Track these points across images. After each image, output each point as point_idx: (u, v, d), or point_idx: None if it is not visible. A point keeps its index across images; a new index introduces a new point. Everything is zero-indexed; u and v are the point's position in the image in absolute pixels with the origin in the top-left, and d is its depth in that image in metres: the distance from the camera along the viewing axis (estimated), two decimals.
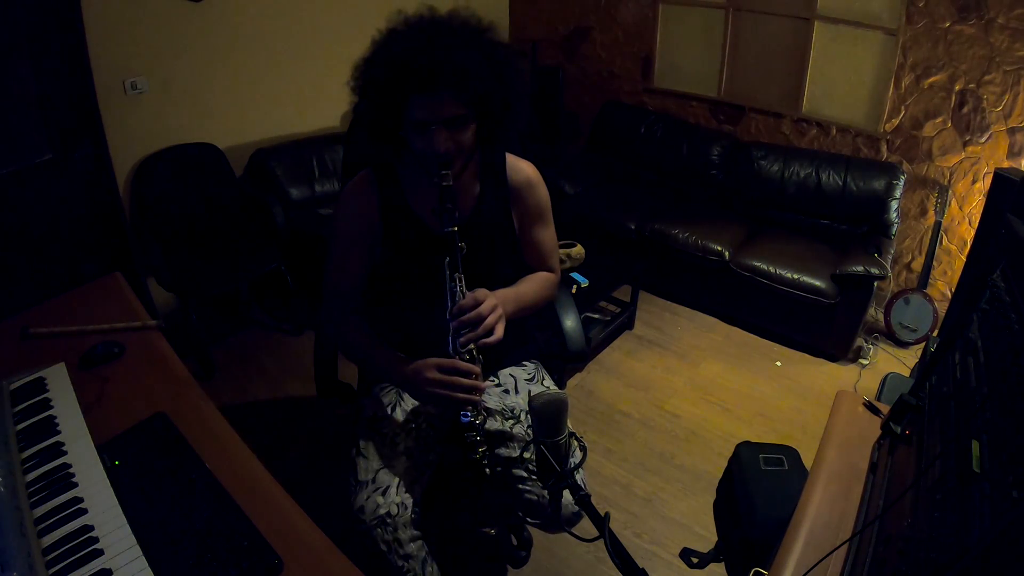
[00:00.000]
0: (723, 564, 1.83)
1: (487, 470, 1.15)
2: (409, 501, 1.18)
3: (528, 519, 1.38)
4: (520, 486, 1.24)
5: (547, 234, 1.38)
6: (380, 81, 1.08)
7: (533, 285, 1.35)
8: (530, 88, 1.18)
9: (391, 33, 1.11)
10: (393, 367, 1.18)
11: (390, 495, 1.17)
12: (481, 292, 1.13)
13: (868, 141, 3.11)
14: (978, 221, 2.56)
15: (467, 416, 1.13)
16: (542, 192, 1.33)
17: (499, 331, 1.13)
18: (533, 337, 1.51)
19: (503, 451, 1.27)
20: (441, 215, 1.11)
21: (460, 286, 1.12)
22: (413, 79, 1.05)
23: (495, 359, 1.36)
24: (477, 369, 1.12)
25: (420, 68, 1.03)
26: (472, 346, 1.11)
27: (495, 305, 1.14)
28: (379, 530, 1.14)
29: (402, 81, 1.06)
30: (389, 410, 1.31)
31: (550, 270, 1.40)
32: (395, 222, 1.25)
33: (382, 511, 1.15)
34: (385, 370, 1.22)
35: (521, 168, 1.31)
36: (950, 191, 2.88)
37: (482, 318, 1.11)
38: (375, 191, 1.24)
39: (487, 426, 1.31)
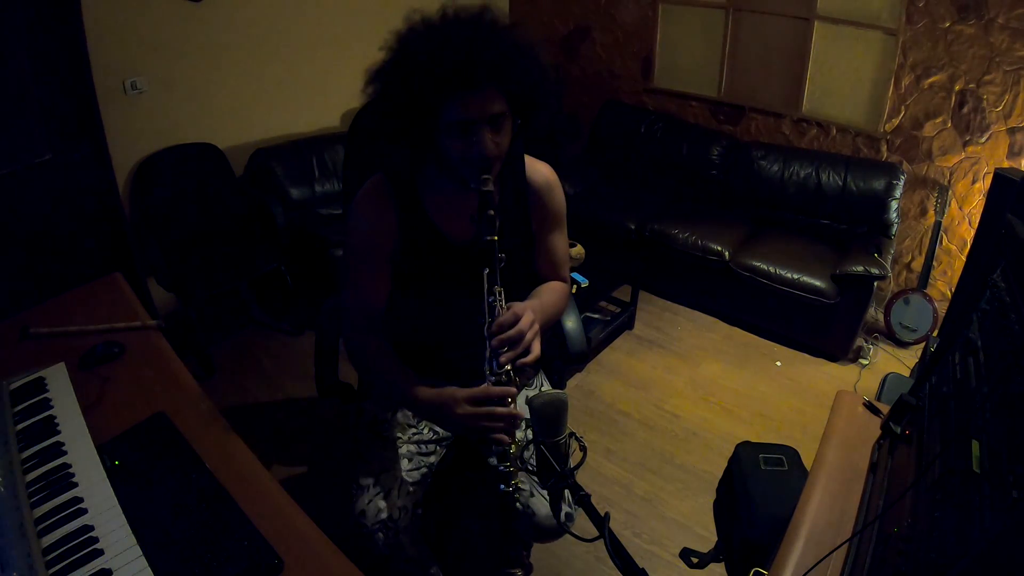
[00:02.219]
0: (723, 564, 1.83)
1: (518, 504, 1.06)
2: (411, 504, 1.18)
3: (518, 529, 1.37)
4: None
5: (561, 241, 1.33)
6: (414, 81, 0.99)
7: (552, 297, 1.28)
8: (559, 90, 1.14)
9: (415, 32, 1.02)
10: (417, 396, 1.09)
11: (392, 498, 1.16)
12: (519, 307, 1.05)
13: (868, 141, 3.11)
14: (978, 221, 2.56)
15: (500, 448, 1.01)
16: (560, 196, 1.28)
17: (536, 349, 1.05)
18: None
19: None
20: (481, 223, 1.01)
21: (500, 301, 1.02)
22: (454, 74, 0.97)
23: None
24: (513, 391, 1.01)
25: (462, 61, 0.96)
26: (508, 367, 1.01)
27: (533, 321, 1.05)
28: (381, 534, 1.13)
29: (441, 78, 0.97)
30: (390, 413, 1.30)
31: (562, 280, 1.35)
32: (412, 232, 1.17)
33: (384, 515, 1.14)
34: (409, 399, 1.12)
35: (540, 170, 1.26)
36: (950, 191, 2.88)
37: (522, 335, 1.02)
38: (391, 198, 1.16)
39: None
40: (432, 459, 1.29)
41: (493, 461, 1.01)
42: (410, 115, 1.03)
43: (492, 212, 1.01)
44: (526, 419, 1.28)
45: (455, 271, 1.13)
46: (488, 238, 1.01)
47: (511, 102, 1.05)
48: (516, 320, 1.02)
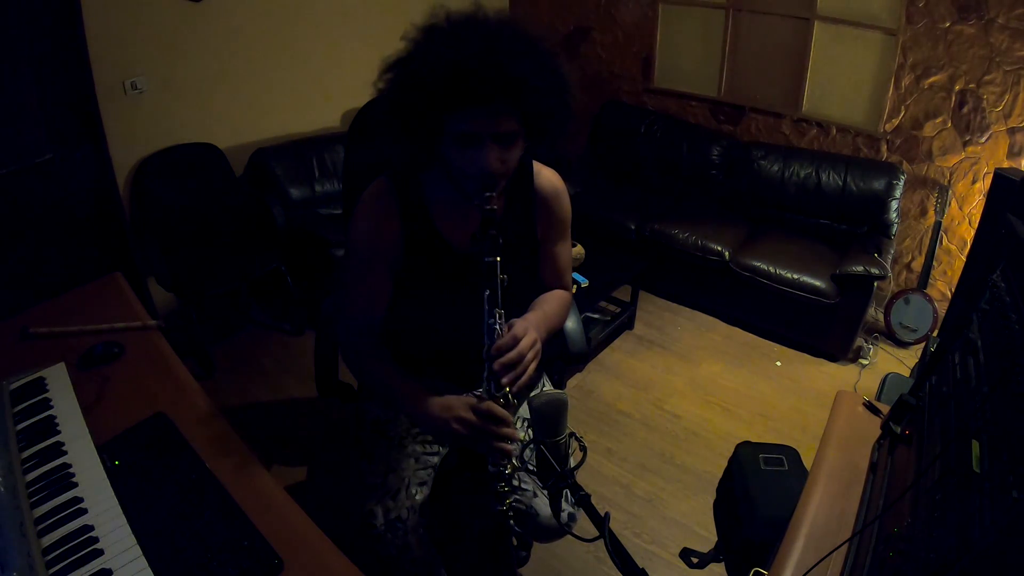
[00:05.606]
0: (723, 564, 1.82)
1: (512, 521, 1.04)
2: (418, 504, 1.18)
3: (516, 528, 1.36)
4: None
5: (565, 249, 1.30)
6: (425, 86, 0.93)
7: (555, 306, 1.24)
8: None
9: (435, 31, 0.96)
10: (417, 402, 1.06)
11: (400, 499, 1.16)
12: (520, 327, 1.01)
13: (868, 141, 3.11)
14: (978, 221, 2.56)
15: (498, 467, 0.98)
16: (567, 204, 1.24)
17: (532, 368, 1.02)
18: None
19: None
20: (482, 243, 0.95)
21: (500, 322, 0.98)
22: (467, 88, 0.91)
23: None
24: (511, 417, 0.99)
25: (477, 76, 0.91)
26: (508, 389, 0.98)
27: (535, 340, 1.02)
28: (390, 535, 1.13)
29: (453, 89, 0.92)
30: (394, 413, 1.30)
31: (565, 288, 1.32)
32: (416, 238, 1.13)
33: (392, 515, 1.14)
34: (407, 404, 1.09)
35: (548, 177, 1.22)
36: (950, 191, 2.88)
37: (523, 357, 0.98)
38: (394, 203, 1.12)
39: None
40: (436, 459, 1.29)
41: (491, 469, 0.99)
42: (417, 116, 0.98)
43: (494, 232, 0.96)
44: (526, 419, 1.29)
45: (458, 278, 1.10)
46: (489, 259, 0.95)
47: (524, 122, 0.99)
48: (515, 342, 0.98)
